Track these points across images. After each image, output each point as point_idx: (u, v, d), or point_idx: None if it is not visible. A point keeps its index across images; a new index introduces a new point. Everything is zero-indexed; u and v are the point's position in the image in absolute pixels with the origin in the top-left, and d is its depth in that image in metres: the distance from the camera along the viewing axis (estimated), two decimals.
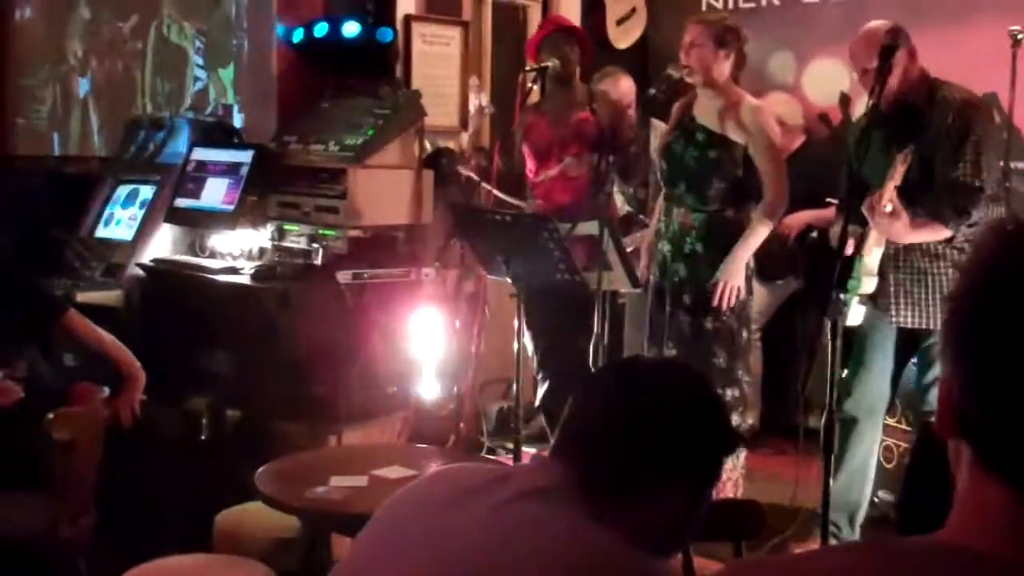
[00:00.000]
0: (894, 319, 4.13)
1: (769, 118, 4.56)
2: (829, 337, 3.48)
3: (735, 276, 4.42)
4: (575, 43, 5.24)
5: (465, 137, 5.92)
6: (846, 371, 4.22)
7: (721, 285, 4.41)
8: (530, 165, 5.33)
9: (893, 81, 3.93)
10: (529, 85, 5.31)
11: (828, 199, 4.98)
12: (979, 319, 1.10)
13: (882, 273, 4.03)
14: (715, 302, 4.42)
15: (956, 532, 1.12)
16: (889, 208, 3.75)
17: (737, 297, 4.45)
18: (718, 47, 4.45)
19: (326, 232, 4.92)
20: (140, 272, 5.13)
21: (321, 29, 5.38)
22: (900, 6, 5.91)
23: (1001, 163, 4.50)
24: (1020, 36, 5.10)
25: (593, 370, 4.32)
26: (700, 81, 4.50)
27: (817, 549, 2.97)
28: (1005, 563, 1.07)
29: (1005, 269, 1.09)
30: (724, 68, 4.49)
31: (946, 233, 3.95)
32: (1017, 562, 1.07)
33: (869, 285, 4.01)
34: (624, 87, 5.73)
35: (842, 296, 4.04)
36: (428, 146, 5.43)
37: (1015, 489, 1.08)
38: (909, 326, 4.12)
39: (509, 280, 4.40)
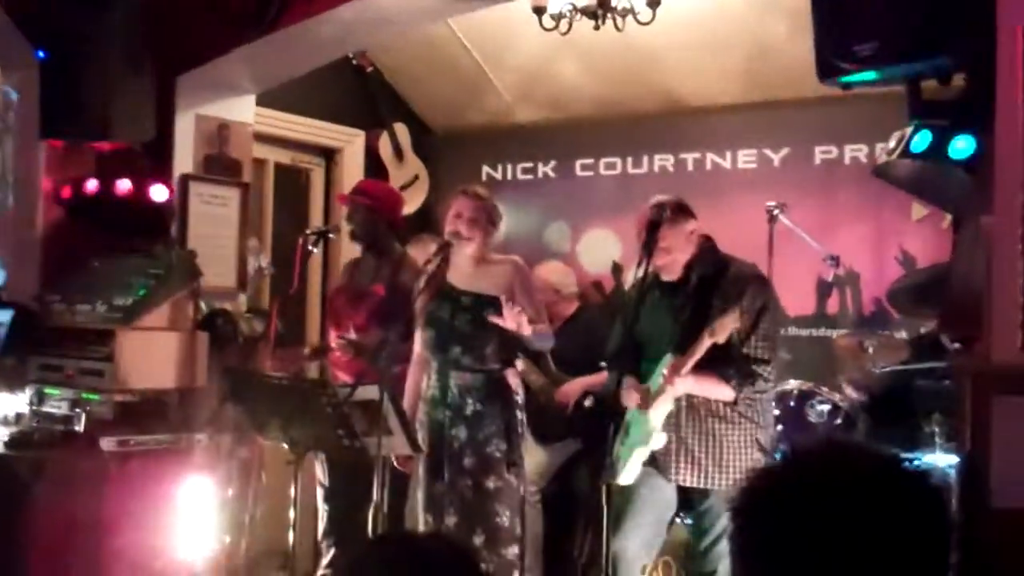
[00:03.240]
0: (673, 478, 4.19)
1: (527, 271, 4.80)
2: (604, 501, 3.50)
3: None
4: (369, 211, 5.23)
5: (243, 298, 5.81)
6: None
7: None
8: (331, 325, 5.33)
9: (681, 252, 4.14)
10: (309, 248, 5.28)
11: (603, 363, 5.11)
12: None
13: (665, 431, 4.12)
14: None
15: None
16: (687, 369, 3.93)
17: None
18: (488, 223, 4.68)
19: (90, 396, 4.68)
20: None
21: (92, 186, 5.24)
22: (666, 181, 6.25)
23: None
24: (776, 211, 5.45)
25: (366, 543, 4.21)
26: (470, 251, 4.62)
27: None
28: None
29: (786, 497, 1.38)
30: (489, 242, 4.71)
31: (727, 391, 4.08)
32: None
33: (657, 441, 4.08)
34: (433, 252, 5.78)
35: (618, 454, 4.11)
36: (204, 307, 5.30)
37: None
38: (687, 485, 4.20)
39: (285, 446, 4.29)
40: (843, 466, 1.40)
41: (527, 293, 4.68)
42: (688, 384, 4.04)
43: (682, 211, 4.20)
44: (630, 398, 4.15)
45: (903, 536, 1.34)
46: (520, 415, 4.67)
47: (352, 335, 5.16)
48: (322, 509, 5.17)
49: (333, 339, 5.28)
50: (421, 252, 5.56)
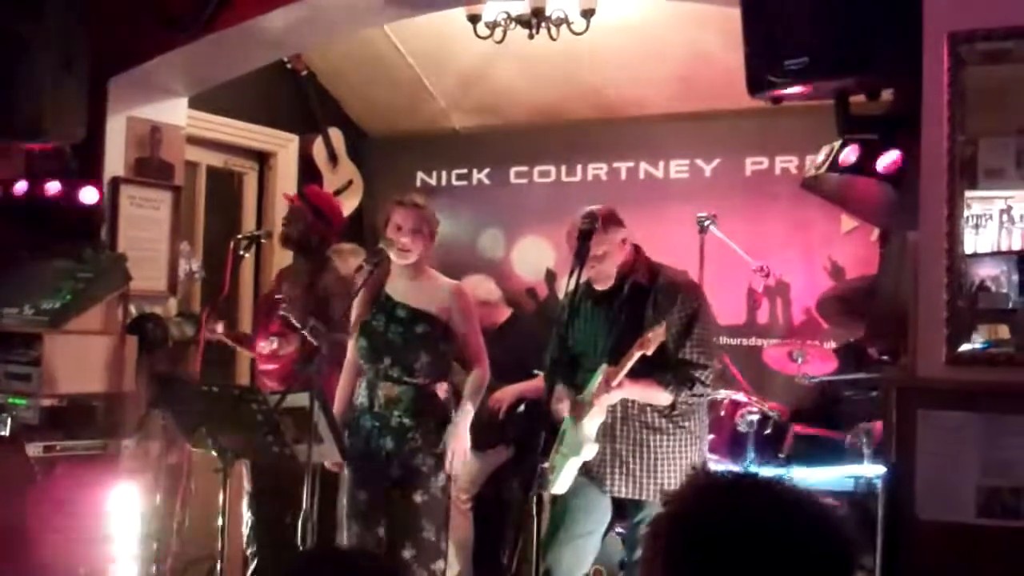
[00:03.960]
0: (608, 489, 4.21)
1: (467, 294, 4.74)
2: (535, 510, 3.51)
3: (462, 441, 4.50)
4: (311, 221, 5.22)
5: (173, 302, 5.75)
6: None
7: (450, 453, 4.46)
8: (254, 333, 5.31)
9: (612, 262, 4.17)
10: (241, 252, 5.25)
11: (536, 371, 5.13)
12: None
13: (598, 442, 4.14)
14: (447, 468, 4.47)
15: None
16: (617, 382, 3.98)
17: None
18: (429, 233, 4.61)
19: (16, 401, 4.63)
20: None
21: (21, 188, 5.16)
22: (600, 189, 6.29)
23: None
24: (707, 222, 5.51)
25: (296, 553, 4.17)
26: (412, 261, 4.59)
27: None
28: None
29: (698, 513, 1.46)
30: (429, 250, 4.65)
31: (665, 396, 4.10)
32: None
33: (589, 451, 4.10)
34: (352, 264, 5.77)
35: (553, 464, 4.13)
36: (133, 311, 5.24)
37: None
38: (622, 496, 4.22)
39: (214, 453, 4.25)
40: (746, 499, 1.47)
41: (467, 319, 4.61)
42: (625, 389, 4.06)
43: (612, 220, 4.21)
44: (560, 405, 4.18)
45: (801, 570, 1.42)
46: (449, 428, 4.56)
47: (274, 342, 5.12)
48: (247, 516, 5.13)
49: (260, 346, 5.24)
50: (340, 262, 5.55)
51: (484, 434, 5.61)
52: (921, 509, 3.04)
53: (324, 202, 5.45)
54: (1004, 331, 3.13)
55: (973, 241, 3.10)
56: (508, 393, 5.57)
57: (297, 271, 5.32)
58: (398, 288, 4.63)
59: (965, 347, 3.05)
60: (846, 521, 1.52)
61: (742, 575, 1.40)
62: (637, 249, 4.29)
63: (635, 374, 4.03)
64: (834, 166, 3.53)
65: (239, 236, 5.41)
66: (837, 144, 3.55)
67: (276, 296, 5.15)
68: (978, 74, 3.10)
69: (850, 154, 3.49)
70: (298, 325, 4.87)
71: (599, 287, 4.24)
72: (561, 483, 4.11)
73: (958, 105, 3.07)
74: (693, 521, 1.46)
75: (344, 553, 1.87)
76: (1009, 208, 3.15)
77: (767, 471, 4.67)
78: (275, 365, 5.14)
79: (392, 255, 4.53)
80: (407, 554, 4.43)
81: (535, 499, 3.49)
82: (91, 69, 5.05)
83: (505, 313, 6.05)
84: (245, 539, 5.17)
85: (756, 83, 3.48)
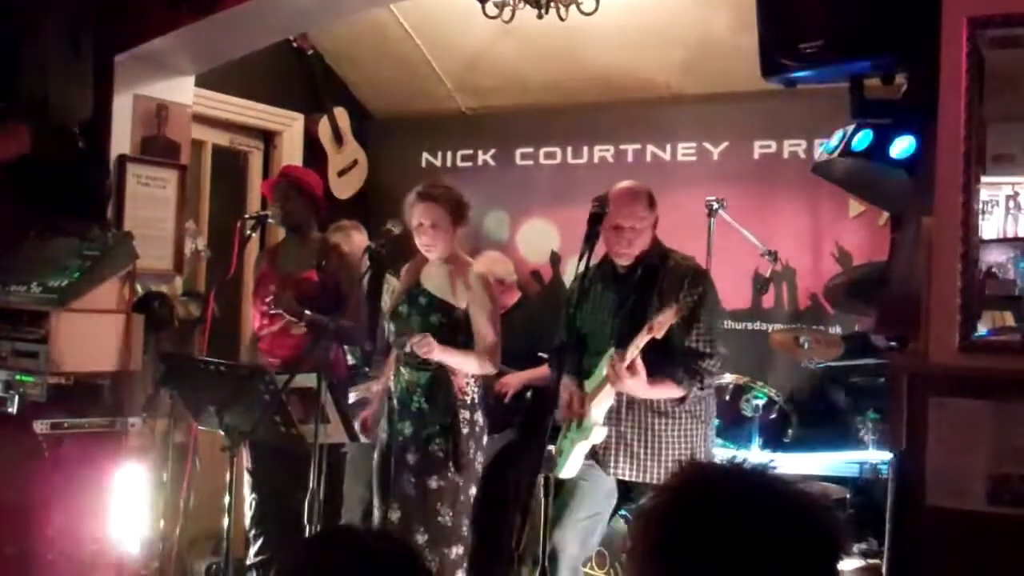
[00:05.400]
0: (612, 471, 4.22)
1: (491, 283, 4.72)
2: (542, 492, 3.51)
3: (433, 347, 4.42)
4: (303, 195, 5.21)
5: (179, 281, 5.74)
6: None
7: (420, 338, 4.43)
8: (255, 316, 5.26)
9: (642, 241, 4.19)
10: (248, 232, 5.24)
11: (542, 354, 5.12)
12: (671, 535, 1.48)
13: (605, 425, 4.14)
14: (409, 345, 4.44)
15: None
16: (627, 363, 3.93)
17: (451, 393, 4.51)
18: (455, 224, 4.59)
19: (24, 378, 4.62)
20: None
21: (28, 166, 5.13)
22: (606, 172, 6.27)
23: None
24: (716, 206, 5.49)
25: (304, 532, 4.18)
26: (439, 257, 4.59)
27: None
28: None
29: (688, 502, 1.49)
30: (459, 239, 4.65)
31: (679, 392, 4.10)
32: None
33: (598, 435, 4.10)
34: (356, 241, 5.76)
35: (560, 448, 4.13)
36: (140, 290, 5.23)
37: None
38: (626, 479, 4.23)
39: (221, 432, 4.25)
40: (732, 490, 1.50)
41: (483, 310, 4.57)
42: (642, 389, 4.04)
43: (653, 200, 4.26)
44: (566, 410, 4.17)
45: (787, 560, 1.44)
46: (468, 414, 4.58)
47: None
48: (249, 497, 5.13)
49: (263, 328, 5.22)
50: (341, 241, 5.53)
51: (491, 419, 5.62)
52: (930, 496, 3.03)
53: (305, 176, 5.43)
54: (1009, 318, 3.13)
55: (980, 227, 3.09)
56: (515, 379, 5.57)
57: (291, 252, 5.28)
58: (429, 274, 4.65)
59: (978, 334, 3.04)
60: (831, 509, 1.55)
61: (729, 565, 1.42)
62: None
63: (649, 373, 4.00)
64: (847, 151, 3.51)
65: (245, 216, 5.41)
66: (850, 129, 3.54)
67: (267, 297, 5.10)
68: (993, 59, 3.08)
69: (863, 139, 3.47)
70: (294, 320, 4.89)
71: (622, 263, 4.24)
72: (569, 467, 4.12)
73: (975, 91, 3.05)
74: (680, 513, 1.48)
75: (360, 535, 1.87)
76: (1016, 194, 3.14)
77: (760, 457, 4.70)
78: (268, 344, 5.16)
79: (420, 247, 4.55)
80: (420, 539, 4.43)
81: (543, 482, 3.49)
82: (97, 47, 5.04)
83: (515, 296, 6.05)
84: (249, 520, 5.17)
85: (770, 66, 3.47)
